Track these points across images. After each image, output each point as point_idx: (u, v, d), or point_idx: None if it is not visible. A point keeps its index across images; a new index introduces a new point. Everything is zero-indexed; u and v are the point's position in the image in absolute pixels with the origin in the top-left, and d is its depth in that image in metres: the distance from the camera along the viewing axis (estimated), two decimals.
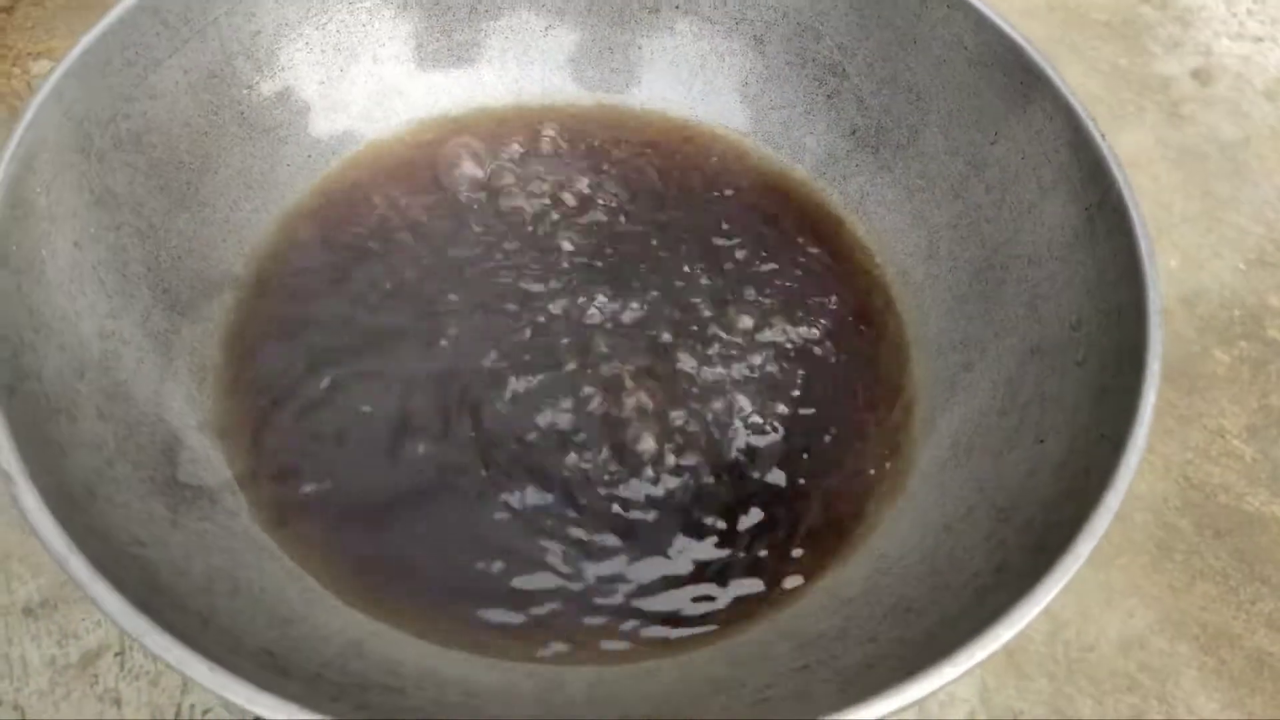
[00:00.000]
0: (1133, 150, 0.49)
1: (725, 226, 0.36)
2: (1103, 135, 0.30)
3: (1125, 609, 0.35)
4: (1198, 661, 0.35)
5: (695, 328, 0.33)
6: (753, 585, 0.28)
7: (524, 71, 0.39)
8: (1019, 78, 0.32)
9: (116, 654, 0.30)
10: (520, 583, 0.28)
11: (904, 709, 0.20)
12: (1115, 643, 0.35)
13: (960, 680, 0.33)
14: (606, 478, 0.30)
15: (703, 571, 0.28)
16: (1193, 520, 0.38)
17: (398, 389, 0.31)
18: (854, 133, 0.37)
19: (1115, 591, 0.36)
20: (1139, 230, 0.28)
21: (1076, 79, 0.51)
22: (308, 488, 0.29)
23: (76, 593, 0.30)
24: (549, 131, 0.38)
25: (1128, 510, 0.38)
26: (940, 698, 0.33)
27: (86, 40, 0.29)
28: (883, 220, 0.36)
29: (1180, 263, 0.45)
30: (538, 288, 0.34)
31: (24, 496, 0.22)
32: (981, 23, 0.33)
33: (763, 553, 0.29)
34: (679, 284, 0.34)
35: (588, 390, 0.31)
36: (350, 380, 0.31)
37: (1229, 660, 0.35)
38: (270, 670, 0.22)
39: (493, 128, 0.38)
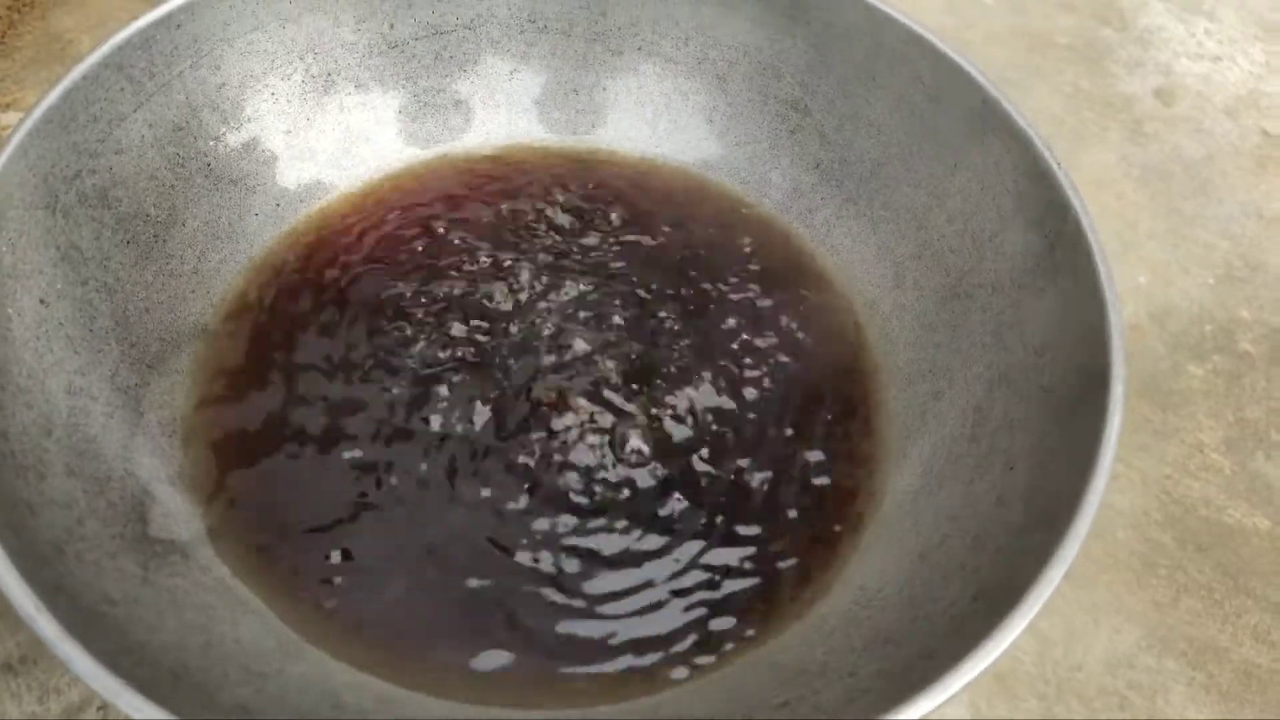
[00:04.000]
0: (1098, 170, 0.50)
1: (692, 261, 0.36)
2: (1059, 164, 0.30)
3: (1112, 626, 0.35)
4: (1186, 677, 0.35)
5: (662, 362, 0.33)
6: (728, 623, 0.28)
7: (490, 115, 0.40)
8: (976, 110, 0.33)
9: (99, 708, 0.29)
10: (499, 626, 0.28)
11: None
12: (1103, 661, 0.35)
13: (950, 703, 0.33)
14: (574, 522, 0.30)
15: (679, 609, 0.28)
16: (1175, 535, 0.38)
17: (372, 436, 0.31)
18: (818, 166, 0.38)
19: (1101, 609, 0.36)
20: (1098, 256, 0.28)
21: (1041, 102, 0.52)
22: (281, 539, 0.29)
23: None
24: (516, 174, 0.39)
25: (1109, 527, 0.38)
26: None
27: (51, 97, 0.30)
28: (849, 252, 0.36)
29: (1149, 279, 0.46)
30: (514, 328, 0.34)
31: None
32: (938, 58, 0.34)
33: (738, 589, 0.29)
34: (647, 318, 0.34)
35: (541, 425, 0.31)
36: (323, 429, 0.31)
37: (1217, 674, 0.35)
38: None
39: (461, 172, 0.38)
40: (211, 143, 0.34)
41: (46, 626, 0.21)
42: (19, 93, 0.48)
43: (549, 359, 0.33)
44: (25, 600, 0.21)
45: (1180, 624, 0.36)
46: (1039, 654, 0.35)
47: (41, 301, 0.28)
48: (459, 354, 0.33)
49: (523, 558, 0.29)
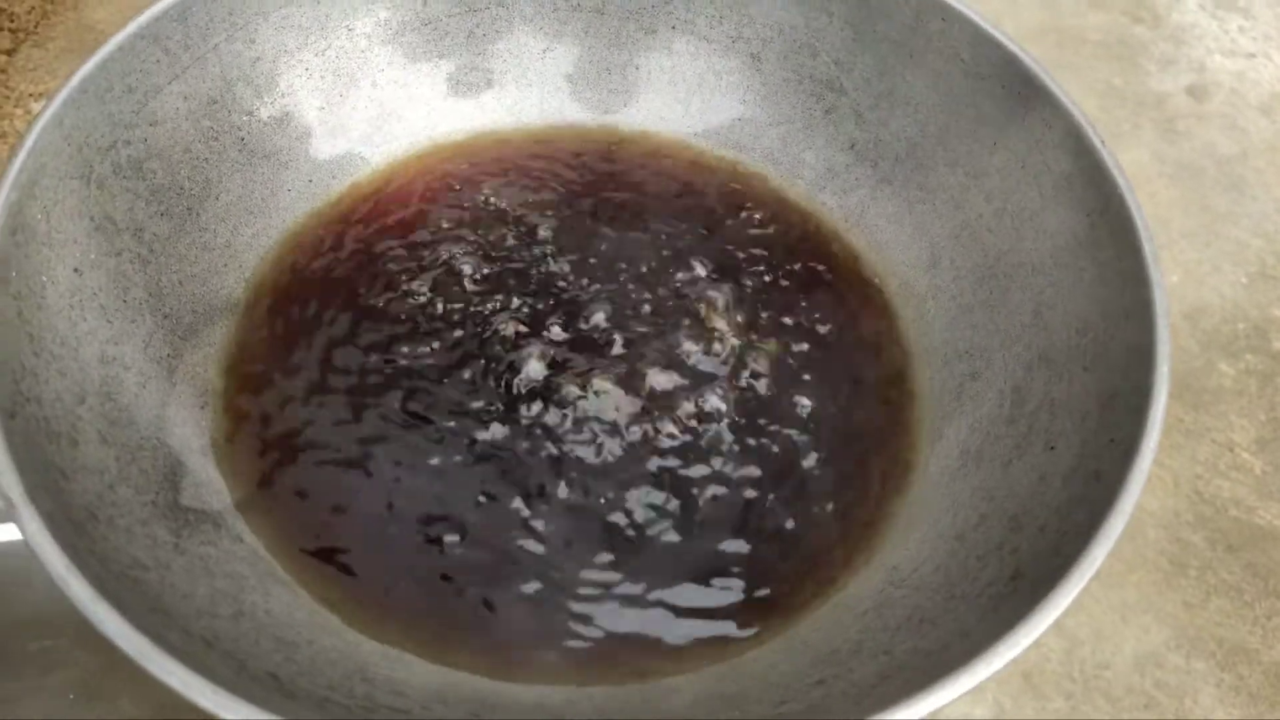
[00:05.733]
0: (1130, 168, 0.49)
1: (726, 242, 0.36)
2: (1103, 141, 0.30)
3: (1140, 626, 0.35)
4: (1215, 678, 0.34)
5: (697, 343, 0.33)
6: (764, 602, 0.28)
7: (523, 94, 0.39)
8: (1017, 88, 0.32)
9: None
10: (528, 599, 0.28)
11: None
12: (1131, 661, 0.34)
13: (976, 703, 0.33)
14: (612, 495, 0.29)
15: (713, 588, 0.28)
16: (1205, 535, 0.37)
17: (405, 410, 0.31)
18: (853, 147, 0.37)
19: (1130, 609, 0.35)
20: (1143, 233, 0.28)
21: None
22: (313, 512, 0.29)
23: None
24: (548, 152, 0.38)
25: (1140, 526, 0.37)
26: None
27: (87, 67, 0.30)
28: (884, 233, 0.36)
29: (1181, 278, 0.45)
30: (540, 305, 0.33)
31: (24, 519, 0.21)
32: (978, 35, 0.33)
33: (774, 568, 0.28)
34: (680, 299, 0.34)
35: (595, 391, 0.31)
36: (353, 406, 0.31)
37: (1247, 676, 0.34)
38: (275, 693, 0.22)
39: (493, 150, 0.38)
40: (245, 117, 0.34)
41: (78, 588, 0.21)
42: (51, 82, 0.48)
43: (587, 327, 0.33)
44: (57, 562, 0.21)
45: (1210, 625, 0.35)
46: (1066, 653, 0.34)
47: (75, 271, 0.28)
48: (493, 327, 0.33)
49: (556, 530, 0.29)
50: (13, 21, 0.50)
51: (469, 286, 0.34)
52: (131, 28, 0.31)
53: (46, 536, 0.21)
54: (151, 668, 0.20)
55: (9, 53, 0.49)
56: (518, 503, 0.29)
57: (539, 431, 0.30)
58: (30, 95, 0.48)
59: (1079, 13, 0.56)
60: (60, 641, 0.29)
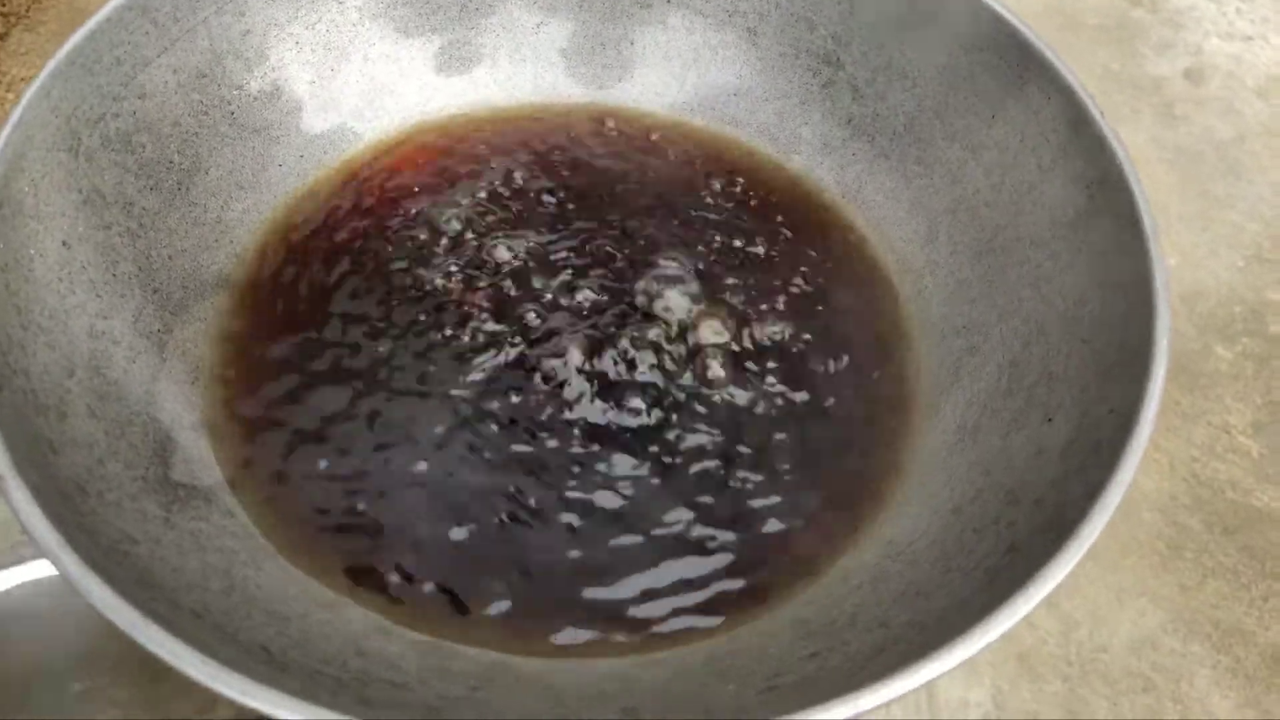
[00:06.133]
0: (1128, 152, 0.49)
1: (722, 217, 0.36)
2: (1101, 113, 0.30)
3: (1136, 609, 0.35)
4: (1211, 660, 0.34)
5: (693, 319, 0.32)
6: (759, 574, 0.28)
7: (516, 69, 0.39)
8: (1014, 59, 0.32)
9: None
10: (524, 570, 0.27)
11: (918, 689, 0.20)
12: (1128, 643, 0.34)
13: (973, 686, 0.33)
14: (603, 466, 0.29)
15: (709, 561, 0.28)
16: (1201, 518, 0.37)
17: (391, 386, 0.31)
18: (850, 121, 0.37)
19: (1126, 592, 0.35)
20: (1142, 205, 0.27)
21: None
22: (302, 487, 0.29)
23: None
24: (542, 127, 0.38)
25: (1136, 509, 0.37)
26: (953, 703, 0.33)
27: (75, 39, 0.29)
28: (881, 208, 0.36)
29: (1179, 261, 0.45)
30: (537, 282, 0.33)
31: (13, 492, 0.21)
32: (975, 6, 0.33)
33: (769, 540, 0.28)
34: (678, 274, 0.34)
35: (607, 362, 0.31)
36: (344, 380, 0.31)
37: (1243, 658, 0.34)
38: (267, 666, 0.22)
39: (486, 125, 0.38)
40: (235, 90, 0.34)
41: (68, 561, 0.21)
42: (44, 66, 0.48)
43: (572, 303, 0.32)
44: (47, 535, 0.21)
45: (1206, 607, 0.35)
46: (1063, 635, 0.34)
47: (64, 244, 0.28)
48: (485, 303, 0.32)
49: (547, 502, 0.29)
50: (4, 5, 0.50)
51: (460, 261, 0.34)
52: (119, 0, 0.30)
53: (35, 509, 0.21)
54: (139, 637, 0.20)
55: (1, 36, 0.49)
56: (514, 475, 0.29)
57: (533, 403, 0.30)
58: (21, 79, 0.48)
59: None
60: (100, 680, 0.29)
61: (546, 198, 0.36)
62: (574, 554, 0.28)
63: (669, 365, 0.31)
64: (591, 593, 0.27)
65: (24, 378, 0.25)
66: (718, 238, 0.35)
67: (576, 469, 0.29)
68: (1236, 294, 0.44)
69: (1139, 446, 0.23)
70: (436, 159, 0.37)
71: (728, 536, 0.28)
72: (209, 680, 0.19)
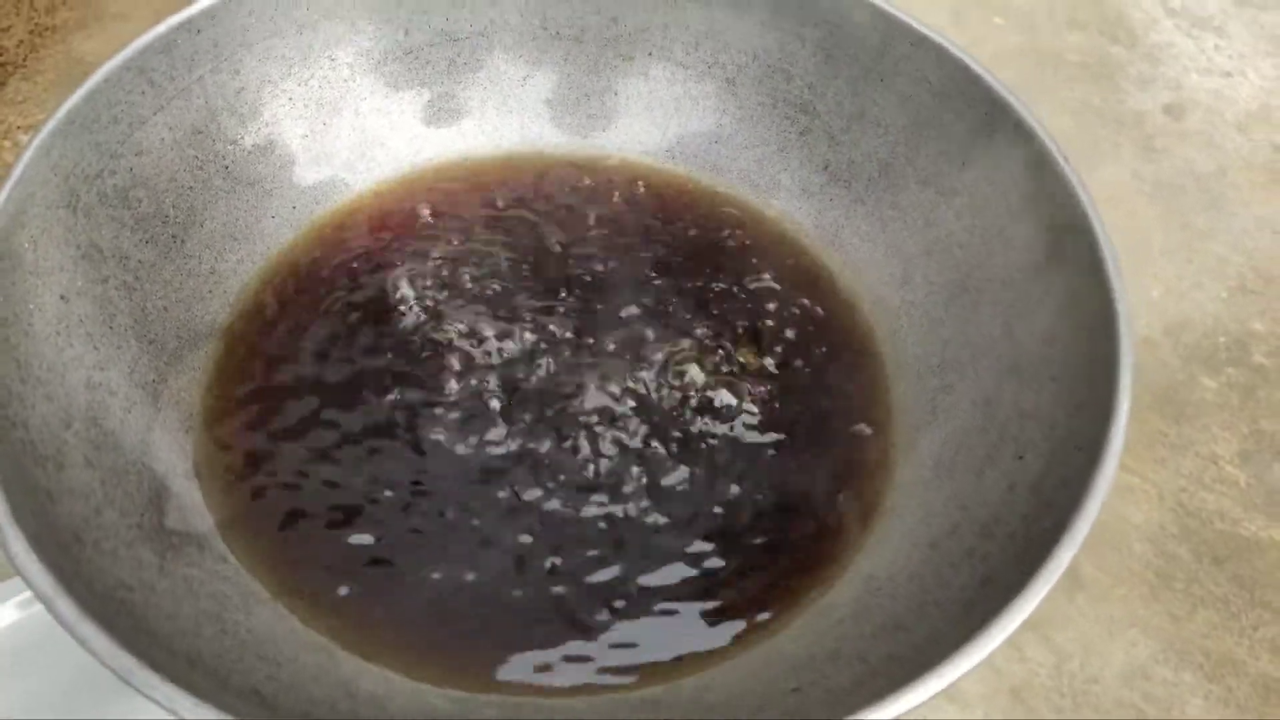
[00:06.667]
0: (1109, 186, 0.50)
1: (701, 263, 0.37)
2: (1065, 158, 0.31)
3: (1127, 639, 0.35)
4: (1203, 690, 0.34)
5: (673, 360, 0.33)
6: (741, 610, 0.28)
7: (503, 120, 0.40)
8: (982, 108, 0.33)
9: None
10: (513, 613, 0.28)
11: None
12: (1119, 674, 0.34)
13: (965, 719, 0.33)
14: (584, 507, 0.30)
15: (690, 601, 0.28)
16: (1190, 548, 0.38)
17: (385, 435, 0.31)
18: (826, 168, 0.38)
19: (1116, 622, 0.35)
20: (1105, 248, 0.28)
21: (1051, 118, 0.52)
22: (295, 533, 0.29)
23: None
24: (528, 177, 0.39)
25: (1125, 540, 0.38)
26: None
27: (74, 99, 0.30)
28: (858, 251, 0.37)
29: (1162, 293, 0.46)
30: (528, 333, 0.34)
31: (11, 542, 0.22)
32: (943, 57, 0.34)
33: (750, 579, 0.29)
34: (656, 318, 0.35)
35: (570, 427, 0.31)
36: (337, 427, 0.31)
37: (1235, 688, 0.34)
38: (258, 708, 0.22)
39: (475, 174, 0.39)
40: (230, 145, 0.35)
41: (65, 609, 0.21)
42: (40, 115, 0.49)
43: (563, 355, 0.33)
44: (44, 583, 0.22)
45: (1197, 637, 0.35)
46: (1055, 667, 0.34)
47: (62, 298, 0.29)
48: (476, 350, 0.33)
49: (535, 548, 0.29)
50: (1, 55, 0.51)
51: (450, 310, 0.34)
52: (118, 60, 0.31)
53: (32, 558, 0.22)
54: (135, 682, 0.20)
55: None
56: (506, 517, 0.30)
57: (532, 444, 0.31)
58: (19, 128, 0.49)
59: (1057, 34, 0.57)
60: None
61: (532, 245, 0.37)
62: (563, 600, 0.28)
63: (652, 398, 0.32)
64: (579, 634, 0.28)
65: (23, 429, 0.25)
66: (699, 283, 0.36)
67: (569, 507, 0.30)
68: (1221, 325, 0.45)
69: (1105, 482, 0.23)
70: (427, 208, 0.38)
71: (710, 573, 0.29)
72: None
